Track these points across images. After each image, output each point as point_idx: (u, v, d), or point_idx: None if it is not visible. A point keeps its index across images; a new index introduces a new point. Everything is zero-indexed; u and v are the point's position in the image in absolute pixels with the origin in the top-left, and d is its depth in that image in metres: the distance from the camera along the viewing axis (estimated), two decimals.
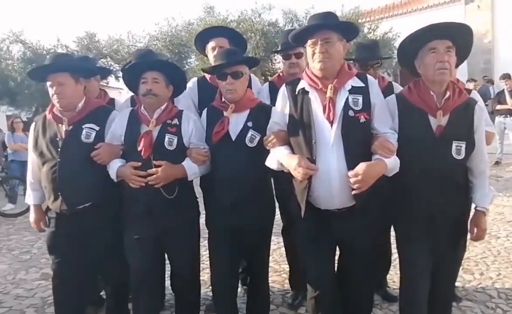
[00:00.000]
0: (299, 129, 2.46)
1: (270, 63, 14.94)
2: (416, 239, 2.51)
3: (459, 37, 2.43)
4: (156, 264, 2.92)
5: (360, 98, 2.42)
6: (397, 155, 2.41)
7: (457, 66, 2.59)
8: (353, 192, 2.30)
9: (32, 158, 3.00)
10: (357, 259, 2.57)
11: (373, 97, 2.45)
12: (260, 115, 2.78)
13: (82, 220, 2.84)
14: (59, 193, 2.81)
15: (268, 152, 2.64)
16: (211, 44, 3.35)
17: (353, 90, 2.44)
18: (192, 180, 2.84)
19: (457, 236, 2.53)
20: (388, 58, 3.89)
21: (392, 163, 2.36)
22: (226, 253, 2.84)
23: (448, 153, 2.38)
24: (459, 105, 2.43)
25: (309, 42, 2.45)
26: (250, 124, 2.76)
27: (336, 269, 2.69)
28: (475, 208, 2.54)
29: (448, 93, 2.42)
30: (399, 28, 13.56)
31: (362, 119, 2.39)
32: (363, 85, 2.46)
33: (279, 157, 2.51)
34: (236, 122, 2.77)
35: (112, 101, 3.70)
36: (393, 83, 3.60)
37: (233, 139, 2.75)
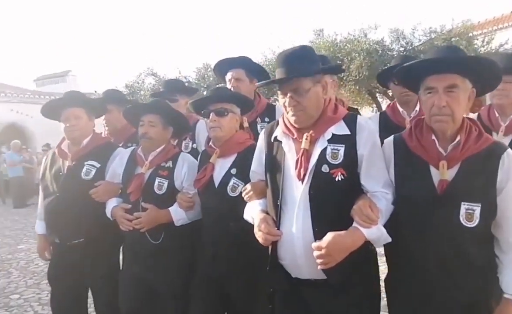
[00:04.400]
0: (269, 184, 2.01)
1: (376, 82, 14.12)
2: None
3: (473, 70, 1.76)
4: (146, 305, 2.68)
5: (342, 149, 1.85)
6: (392, 216, 1.85)
7: (480, 95, 1.88)
8: (319, 267, 1.77)
9: (40, 190, 3.02)
10: None
11: (361, 147, 1.86)
12: (248, 161, 2.30)
13: (76, 253, 2.78)
14: (54, 227, 2.80)
15: None
16: (228, 75, 3.04)
17: (334, 139, 1.87)
18: (184, 226, 2.58)
19: None
20: None
21: (374, 234, 1.77)
22: (204, 305, 2.45)
23: (455, 218, 1.72)
24: (476, 153, 1.75)
25: (280, 92, 1.94)
26: (233, 171, 2.40)
27: None
28: (503, 295, 1.77)
29: (458, 138, 1.77)
30: None
31: (339, 177, 1.82)
32: (349, 132, 1.88)
33: (252, 213, 2.07)
34: (220, 168, 2.44)
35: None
36: None
37: (216, 186, 2.42)
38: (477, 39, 12.16)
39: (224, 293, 2.46)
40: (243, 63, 3.05)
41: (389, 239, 1.81)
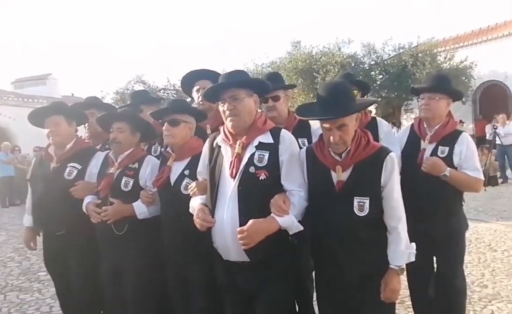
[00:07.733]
0: (209, 181, 2.38)
1: None
2: (328, 298, 2.31)
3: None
4: (118, 288, 2.93)
5: (266, 155, 2.25)
6: (307, 210, 2.27)
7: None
8: (242, 247, 2.14)
9: (29, 187, 3.34)
10: None
11: (282, 154, 2.26)
12: None
13: (60, 243, 3.10)
14: (41, 221, 3.13)
15: None
16: (196, 86, 3.27)
17: (260, 146, 2.27)
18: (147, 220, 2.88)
19: (370, 298, 2.20)
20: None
21: (287, 222, 2.16)
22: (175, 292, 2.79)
23: (350, 209, 2.14)
24: (364, 158, 2.18)
25: (220, 101, 2.33)
26: (187, 172, 2.71)
27: None
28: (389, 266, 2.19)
29: (349, 147, 2.18)
30: (475, 57, 12.41)
31: (262, 176, 2.21)
32: (272, 141, 2.29)
33: (193, 205, 2.42)
34: (176, 169, 2.75)
35: None
36: (379, 119, 3.25)
37: (172, 185, 2.73)
38: (440, 55, 12.70)
39: (184, 279, 2.74)
40: (210, 75, 3.26)
41: (301, 228, 2.20)
